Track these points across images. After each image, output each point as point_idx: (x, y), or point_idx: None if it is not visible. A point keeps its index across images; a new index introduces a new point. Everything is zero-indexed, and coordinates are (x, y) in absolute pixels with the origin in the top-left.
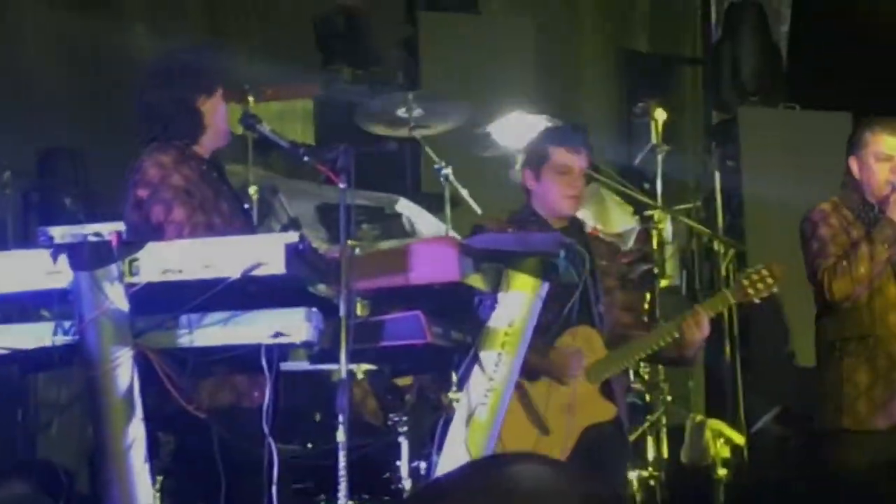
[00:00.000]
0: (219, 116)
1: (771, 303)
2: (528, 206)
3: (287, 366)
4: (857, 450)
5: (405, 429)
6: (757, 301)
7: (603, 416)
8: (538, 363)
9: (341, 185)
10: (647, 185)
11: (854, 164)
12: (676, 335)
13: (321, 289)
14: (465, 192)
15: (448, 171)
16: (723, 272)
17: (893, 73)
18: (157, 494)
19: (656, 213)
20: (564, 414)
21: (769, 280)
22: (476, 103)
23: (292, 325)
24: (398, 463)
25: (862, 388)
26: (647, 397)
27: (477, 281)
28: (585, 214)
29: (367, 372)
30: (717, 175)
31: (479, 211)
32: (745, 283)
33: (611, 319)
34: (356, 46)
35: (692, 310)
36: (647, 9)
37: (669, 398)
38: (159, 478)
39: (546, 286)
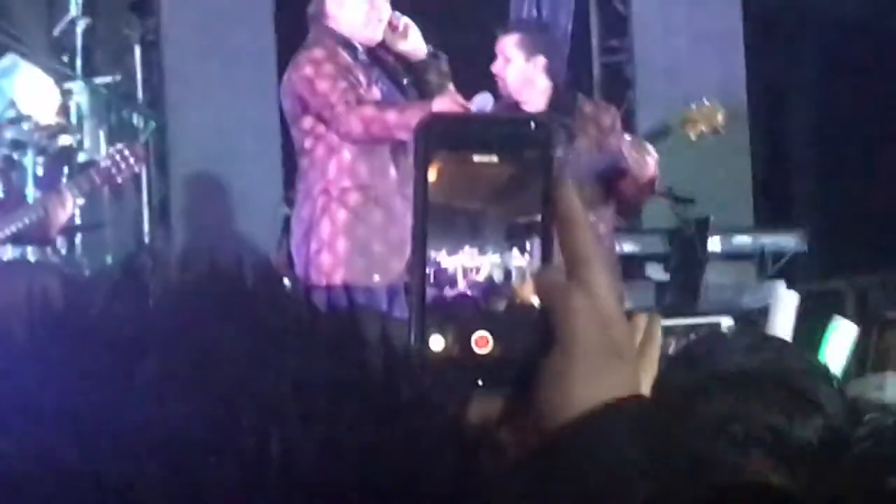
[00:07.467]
0: None
1: None
2: None
3: None
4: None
5: None
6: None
7: None
8: None
9: None
10: (65, 58)
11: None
12: (42, 213)
13: None
14: None
15: None
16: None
17: None
18: None
19: (75, 86)
20: None
21: (129, 164)
22: None
23: None
24: None
25: (359, 244)
26: None
27: None
28: None
29: None
30: (138, 49)
31: None
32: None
33: None
34: None
35: (57, 189)
36: None
37: None
38: None
39: None
